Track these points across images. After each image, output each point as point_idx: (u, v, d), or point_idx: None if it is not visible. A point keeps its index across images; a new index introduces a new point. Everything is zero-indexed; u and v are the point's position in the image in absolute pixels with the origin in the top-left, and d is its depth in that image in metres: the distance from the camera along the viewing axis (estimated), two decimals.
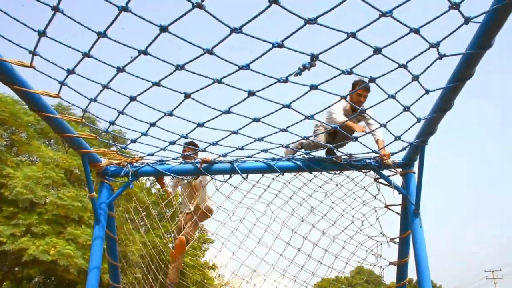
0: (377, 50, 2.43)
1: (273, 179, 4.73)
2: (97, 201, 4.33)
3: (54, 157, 13.11)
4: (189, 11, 2.09)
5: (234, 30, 2.21)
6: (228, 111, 3.09)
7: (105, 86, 2.93)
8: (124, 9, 2.18)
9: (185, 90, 2.80)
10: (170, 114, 3.16)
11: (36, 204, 12.65)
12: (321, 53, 2.35)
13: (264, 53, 2.41)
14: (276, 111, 3.08)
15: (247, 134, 3.52)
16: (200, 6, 2.03)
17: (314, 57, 2.35)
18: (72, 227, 12.41)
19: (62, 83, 2.94)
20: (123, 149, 4.44)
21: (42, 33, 2.47)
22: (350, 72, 2.61)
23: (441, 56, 2.56)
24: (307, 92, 2.81)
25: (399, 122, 3.48)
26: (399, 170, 4.47)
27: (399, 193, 4.45)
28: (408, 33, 2.35)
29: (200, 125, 3.31)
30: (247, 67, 2.50)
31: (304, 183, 4.72)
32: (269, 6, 2.09)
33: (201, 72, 2.58)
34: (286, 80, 2.61)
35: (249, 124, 3.30)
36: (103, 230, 4.32)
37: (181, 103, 2.97)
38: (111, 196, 4.46)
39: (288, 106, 2.98)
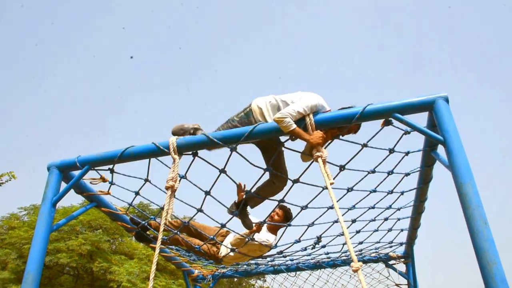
0: None
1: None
2: None
3: (147, 253, 15.84)
4: None
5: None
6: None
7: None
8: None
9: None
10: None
11: None
12: (321, 234, 4.26)
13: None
14: None
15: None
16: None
17: (318, 238, 4.23)
18: None
19: (130, 205, 3.91)
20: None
21: (137, 194, 3.75)
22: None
23: None
24: None
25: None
26: (402, 260, 6.14)
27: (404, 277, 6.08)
28: None
29: None
30: None
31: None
32: None
33: None
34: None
35: None
36: None
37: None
38: None
39: None
